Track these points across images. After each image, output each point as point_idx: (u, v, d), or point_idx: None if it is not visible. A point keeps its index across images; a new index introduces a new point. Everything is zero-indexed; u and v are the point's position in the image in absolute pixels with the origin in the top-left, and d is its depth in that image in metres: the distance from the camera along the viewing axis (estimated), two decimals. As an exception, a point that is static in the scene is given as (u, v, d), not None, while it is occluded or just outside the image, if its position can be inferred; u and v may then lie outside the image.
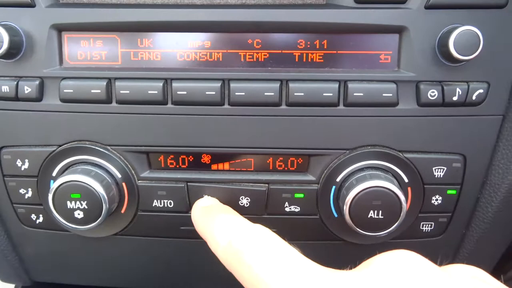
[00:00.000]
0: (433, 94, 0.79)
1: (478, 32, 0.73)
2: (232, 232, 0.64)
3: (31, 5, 0.79)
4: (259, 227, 0.64)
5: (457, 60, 0.76)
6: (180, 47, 0.81)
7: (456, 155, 0.83)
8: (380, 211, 0.79)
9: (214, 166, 0.86)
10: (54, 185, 0.80)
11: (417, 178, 0.83)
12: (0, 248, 0.94)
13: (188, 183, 0.85)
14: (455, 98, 0.79)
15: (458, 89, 0.79)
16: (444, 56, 0.77)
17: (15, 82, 0.80)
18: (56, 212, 0.81)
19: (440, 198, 0.85)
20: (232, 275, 0.94)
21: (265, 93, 0.79)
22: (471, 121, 0.81)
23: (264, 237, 0.61)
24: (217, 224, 0.68)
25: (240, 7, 0.78)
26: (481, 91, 0.79)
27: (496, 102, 0.80)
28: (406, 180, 0.83)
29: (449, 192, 0.85)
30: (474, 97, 0.79)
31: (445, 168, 0.83)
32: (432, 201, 0.85)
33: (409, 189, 0.84)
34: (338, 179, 0.84)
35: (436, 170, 0.83)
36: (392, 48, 0.80)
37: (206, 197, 0.83)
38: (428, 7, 0.77)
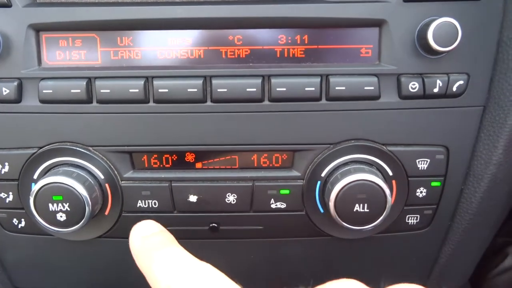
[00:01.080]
0: (414, 86, 0.79)
1: (456, 23, 0.74)
2: (172, 275, 0.56)
3: (8, 5, 0.77)
4: (202, 268, 0.57)
5: (436, 52, 0.77)
6: (160, 45, 0.80)
7: (439, 147, 0.84)
8: (366, 205, 0.79)
9: (198, 165, 0.86)
10: (35, 188, 0.79)
11: (401, 171, 0.84)
12: (-19, 255, 0.92)
13: (172, 183, 0.84)
14: (435, 90, 0.79)
15: (438, 81, 0.79)
16: (424, 48, 0.78)
17: None
18: (38, 215, 0.79)
19: (425, 190, 0.85)
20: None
21: (247, 89, 0.79)
22: (453, 113, 0.82)
23: (207, 280, 0.55)
24: (157, 263, 0.59)
25: (220, 3, 0.78)
26: (461, 82, 0.80)
27: (476, 93, 0.81)
28: (390, 173, 0.84)
29: (433, 184, 0.85)
30: (454, 89, 0.80)
31: (429, 160, 0.84)
32: (417, 194, 0.85)
33: (393, 182, 0.84)
34: (323, 174, 0.84)
35: (420, 162, 0.84)
36: (372, 41, 0.80)
37: (146, 222, 0.67)
38: (406, 0, 0.77)
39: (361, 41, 0.80)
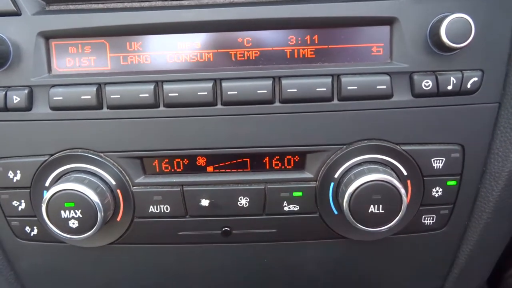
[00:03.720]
0: (427, 84, 0.78)
1: (469, 19, 0.73)
2: None
3: (17, 14, 0.78)
4: None
5: (449, 49, 0.75)
6: (169, 49, 0.80)
7: (454, 145, 0.82)
8: (381, 205, 0.78)
9: (209, 168, 0.85)
10: (47, 195, 0.78)
11: (416, 170, 0.82)
12: (-6, 263, 0.92)
13: (184, 187, 0.84)
14: (449, 88, 0.78)
15: (452, 78, 0.78)
16: (437, 45, 0.76)
17: (4, 92, 0.79)
18: (50, 222, 0.79)
19: (441, 189, 0.84)
20: (232, 282, 0.92)
21: (258, 91, 0.78)
22: (467, 110, 0.80)
23: None
24: None
25: (228, 6, 0.78)
26: (475, 79, 0.78)
27: (491, 90, 0.80)
28: (405, 173, 0.82)
29: (449, 183, 0.83)
30: (469, 86, 0.78)
31: (444, 159, 0.82)
32: (433, 193, 0.84)
33: (408, 182, 0.83)
34: (336, 175, 0.82)
35: (435, 161, 0.82)
36: (383, 40, 0.79)
37: None
38: None
39: (372, 39, 0.79)
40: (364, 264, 0.93)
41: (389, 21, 0.78)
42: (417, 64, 0.78)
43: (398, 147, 0.82)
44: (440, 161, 0.82)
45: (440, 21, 0.74)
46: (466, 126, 0.81)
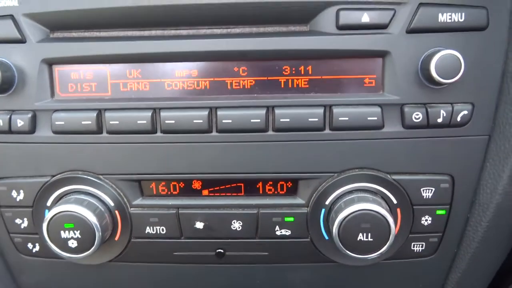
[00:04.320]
0: (417, 116, 0.80)
1: (459, 55, 0.74)
2: None
3: (22, 41, 0.81)
4: None
5: (439, 83, 0.77)
6: (167, 77, 0.82)
7: (444, 176, 0.84)
8: (369, 234, 0.80)
9: (204, 192, 0.87)
10: (47, 216, 0.82)
11: (405, 199, 0.84)
12: (-1, 277, 0.96)
13: (180, 209, 0.86)
14: (439, 120, 0.79)
15: (442, 111, 0.79)
16: (427, 79, 0.78)
17: (8, 116, 0.82)
18: (51, 241, 0.83)
19: (430, 218, 0.85)
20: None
21: (252, 120, 0.81)
22: (457, 142, 0.82)
23: None
24: None
25: (225, 37, 0.80)
26: (465, 112, 0.80)
27: (481, 123, 0.81)
28: (394, 201, 0.84)
29: (438, 212, 0.85)
30: (459, 119, 0.80)
31: (434, 189, 0.84)
32: (422, 222, 0.85)
33: (398, 210, 0.85)
34: (327, 202, 0.85)
35: (425, 191, 0.84)
36: (376, 72, 0.81)
37: None
38: (409, 31, 0.78)
39: (364, 71, 0.81)
40: (354, 286, 0.95)
41: (381, 54, 0.79)
42: (408, 96, 0.80)
43: (389, 176, 0.83)
44: (430, 190, 0.84)
45: (431, 56, 0.75)
46: (456, 157, 0.83)
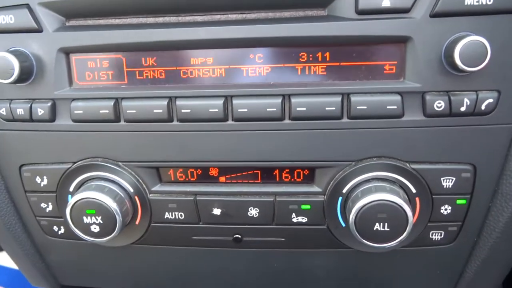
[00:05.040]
0: (439, 105, 0.77)
1: (486, 42, 0.70)
2: None
3: (39, 30, 0.81)
4: None
5: (464, 71, 0.73)
6: (183, 64, 0.82)
7: (466, 165, 0.81)
8: (386, 224, 0.79)
9: (221, 179, 0.88)
10: (70, 202, 0.84)
11: (425, 188, 0.82)
12: (28, 256, 1.00)
13: (197, 196, 0.87)
14: (463, 109, 0.76)
15: (466, 99, 0.76)
16: (451, 66, 0.75)
17: (29, 105, 0.84)
18: (74, 226, 0.86)
19: (450, 208, 0.84)
20: (243, 284, 0.97)
21: (268, 109, 0.80)
22: (481, 131, 0.79)
23: None
24: None
25: (240, 23, 0.78)
26: (491, 100, 0.76)
27: (507, 111, 0.77)
28: (413, 190, 0.83)
29: (458, 202, 0.83)
30: (483, 107, 0.76)
31: (454, 178, 0.82)
32: (441, 211, 0.84)
33: (417, 199, 0.83)
34: (344, 191, 0.84)
35: (445, 180, 0.82)
36: (396, 58, 0.78)
37: None
38: (433, 15, 0.74)
39: (384, 57, 0.78)
40: (371, 272, 0.95)
41: (403, 40, 0.76)
42: (430, 83, 0.76)
43: (408, 165, 0.82)
44: (450, 180, 0.82)
45: (455, 43, 0.72)
46: (478, 147, 0.80)
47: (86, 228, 0.85)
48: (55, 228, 0.95)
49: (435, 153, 0.81)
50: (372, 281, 0.97)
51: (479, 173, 0.81)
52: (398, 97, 0.77)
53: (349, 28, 0.76)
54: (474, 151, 0.80)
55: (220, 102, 0.80)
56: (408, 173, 0.82)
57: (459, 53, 0.71)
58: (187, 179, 0.89)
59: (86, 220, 0.85)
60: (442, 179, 0.82)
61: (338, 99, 0.78)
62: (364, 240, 0.81)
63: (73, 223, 0.85)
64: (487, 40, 0.70)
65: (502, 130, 0.79)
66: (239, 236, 0.90)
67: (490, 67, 0.74)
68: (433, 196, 0.83)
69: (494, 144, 0.80)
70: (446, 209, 0.84)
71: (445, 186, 0.82)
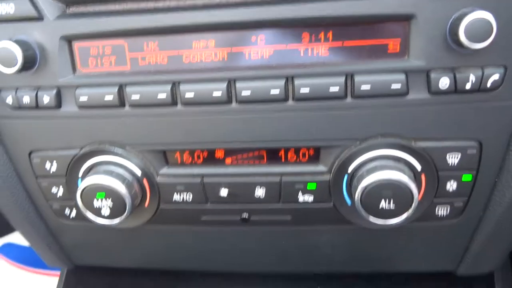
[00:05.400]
0: (444, 82, 0.76)
1: (491, 17, 0.69)
2: None
3: (40, 18, 0.81)
4: None
5: (469, 47, 0.72)
6: (185, 48, 0.81)
7: (472, 142, 0.81)
8: (391, 201, 0.80)
9: (227, 160, 0.89)
10: (80, 187, 0.86)
11: (430, 165, 0.83)
12: (43, 238, 1.04)
13: (204, 178, 0.89)
14: (468, 86, 0.76)
15: (471, 76, 0.75)
16: (456, 43, 0.73)
17: (34, 92, 0.85)
18: (85, 209, 0.88)
19: (455, 183, 0.84)
20: (252, 260, 1.00)
21: (271, 91, 0.79)
22: (487, 107, 0.78)
23: None
24: None
25: (241, 6, 0.77)
26: (496, 76, 0.75)
27: None
28: (419, 168, 0.83)
29: (464, 178, 0.83)
30: (489, 84, 0.75)
31: (460, 155, 0.82)
32: (447, 187, 0.84)
33: (422, 176, 0.84)
34: (349, 169, 0.84)
35: (450, 156, 0.82)
36: (400, 36, 0.77)
37: None
38: None
39: (388, 36, 0.77)
40: (377, 247, 0.97)
41: (407, 18, 0.75)
42: (434, 61, 0.75)
43: (413, 143, 0.82)
44: (456, 156, 0.82)
45: (459, 19, 0.70)
46: (484, 123, 0.79)
47: (97, 211, 0.87)
48: (67, 211, 0.97)
49: (441, 130, 0.81)
50: (378, 257, 0.99)
51: (485, 150, 0.81)
52: (402, 76, 0.77)
53: (351, 7, 0.75)
54: (480, 127, 0.80)
55: (223, 85, 0.80)
56: (414, 150, 0.82)
57: (464, 30, 0.70)
58: (193, 161, 0.90)
59: (97, 203, 0.87)
60: (447, 155, 0.82)
61: (341, 79, 0.78)
62: (370, 218, 0.82)
63: (84, 206, 0.87)
64: (492, 15, 0.69)
65: (508, 106, 0.78)
66: (247, 216, 0.92)
67: (496, 42, 0.72)
68: (439, 173, 0.83)
69: (500, 120, 0.79)
70: (451, 185, 0.84)
71: (450, 163, 0.82)
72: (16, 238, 2.20)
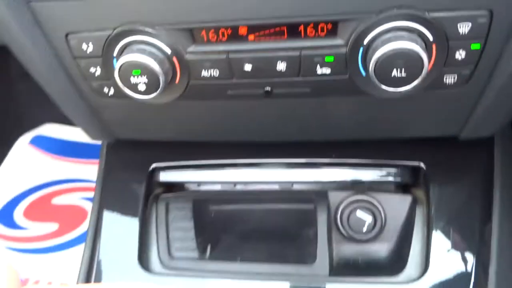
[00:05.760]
0: None
1: None
2: None
3: None
4: None
5: None
6: None
7: (483, 10, 0.85)
8: (403, 69, 0.87)
9: (251, 37, 0.95)
10: (116, 65, 0.94)
11: (442, 35, 0.88)
12: (86, 116, 1.15)
13: (229, 54, 0.96)
14: None
15: None
16: None
17: None
18: (123, 86, 0.97)
19: (464, 52, 0.90)
20: (274, 129, 1.11)
21: None
22: None
23: None
24: None
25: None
26: None
27: None
28: (431, 38, 0.88)
29: (473, 46, 0.89)
30: None
31: (470, 24, 0.86)
32: (456, 56, 0.90)
33: (433, 46, 0.89)
34: (365, 42, 0.90)
35: (461, 26, 0.87)
36: None
37: None
38: None
39: None
40: (388, 114, 1.06)
41: None
42: None
43: (427, 13, 0.86)
44: (467, 25, 0.86)
45: None
46: (496, -9, 0.83)
47: (134, 87, 0.96)
48: (106, 89, 1.06)
49: (453, 0, 0.84)
50: (388, 123, 1.09)
51: (495, 18, 0.85)
52: None
53: None
54: (492, -4, 0.83)
55: None
56: (427, 21, 0.86)
57: None
58: (218, 39, 0.96)
59: (133, 80, 0.95)
60: (458, 24, 0.86)
61: None
62: (382, 86, 0.90)
63: (122, 83, 0.96)
64: None
65: (521, -27, 0.81)
66: (269, 89, 1.00)
67: None
68: (449, 42, 0.88)
69: (512, -12, 0.82)
70: (460, 54, 0.90)
71: (461, 32, 0.87)
72: (46, 130, 2.36)
